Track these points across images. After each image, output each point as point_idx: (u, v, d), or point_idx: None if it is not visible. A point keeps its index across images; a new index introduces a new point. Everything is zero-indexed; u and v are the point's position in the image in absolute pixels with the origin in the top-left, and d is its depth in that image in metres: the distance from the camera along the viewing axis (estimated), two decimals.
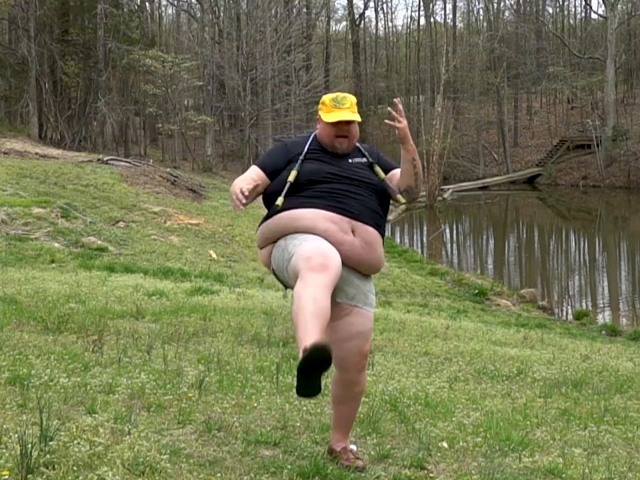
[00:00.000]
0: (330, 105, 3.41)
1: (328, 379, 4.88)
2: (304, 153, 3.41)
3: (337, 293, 3.17)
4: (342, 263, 3.12)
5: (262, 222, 3.44)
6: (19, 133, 34.97)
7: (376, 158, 3.54)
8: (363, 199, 3.35)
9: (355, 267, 3.30)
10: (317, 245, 3.10)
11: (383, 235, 3.43)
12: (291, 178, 3.33)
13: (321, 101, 3.51)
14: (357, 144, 3.55)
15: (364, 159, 3.49)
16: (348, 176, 3.38)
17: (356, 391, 3.43)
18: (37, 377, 4.24)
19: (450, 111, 46.61)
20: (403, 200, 3.49)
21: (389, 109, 3.44)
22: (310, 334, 2.80)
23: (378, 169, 3.48)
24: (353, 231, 3.26)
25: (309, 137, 3.53)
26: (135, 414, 3.77)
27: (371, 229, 3.32)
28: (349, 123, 3.41)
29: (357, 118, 3.40)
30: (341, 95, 3.46)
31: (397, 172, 3.52)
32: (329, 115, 3.40)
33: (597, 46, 50.37)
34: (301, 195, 3.32)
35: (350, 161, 3.46)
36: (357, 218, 3.28)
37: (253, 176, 3.41)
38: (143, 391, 4.21)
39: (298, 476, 3.20)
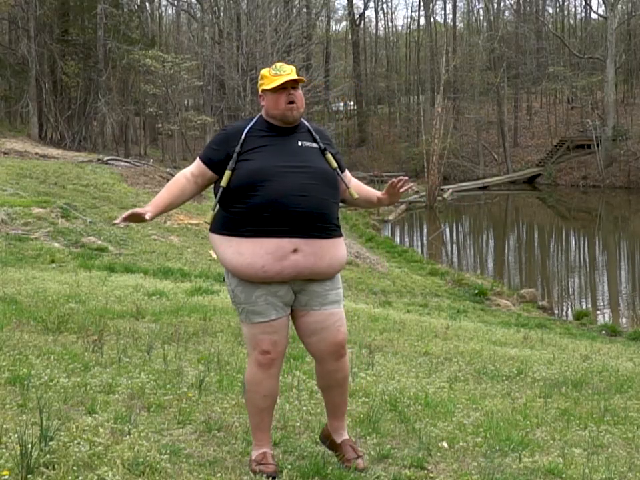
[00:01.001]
0: (271, 76, 3.28)
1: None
2: (240, 143, 3.23)
3: (292, 300, 3.27)
4: (292, 279, 3.20)
5: (215, 226, 3.29)
6: (19, 133, 34.97)
7: (328, 144, 3.37)
8: (313, 193, 3.20)
9: (308, 278, 3.24)
10: (265, 337, 3.21)
11: (336, 231, 3.31)
12: (224, 182, 3.20)
13: (260, 77, 3.35)
14: (307, 124, 3.38)
15: (314, 144, 3.31)
16: (296, 165, 3.21)
17: (338, 378, 3.36)
18: (37, 377, 4.25)
19: (450, 111, 46.60)
20: (355, 196, 3.41)
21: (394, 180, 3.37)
22: (263, 439, 3.30)
23: (329, 157, 3.32)
24: (295, 249, 3.16)
25: (252, 119, 3.35)
26: (135, 414, 3.77)
27: (317, 241, 3.20)
28: (294, 87, 3.27)
29: (301, 78, 3.28)
30: (278, 64, 3.34)
31: (347, 175, 3.44)
32: (272, 83, 3.27)
33: (597, 46, 50.38)
34: (241, 207, 3.18)
35: (299, 143, 3.28)
36: (299, 234, 3.16)
37: (193, 171, 3.32)
38: (143, 391, 4.21)
39: (298, 476, 3.20)
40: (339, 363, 3.33)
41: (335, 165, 3.34)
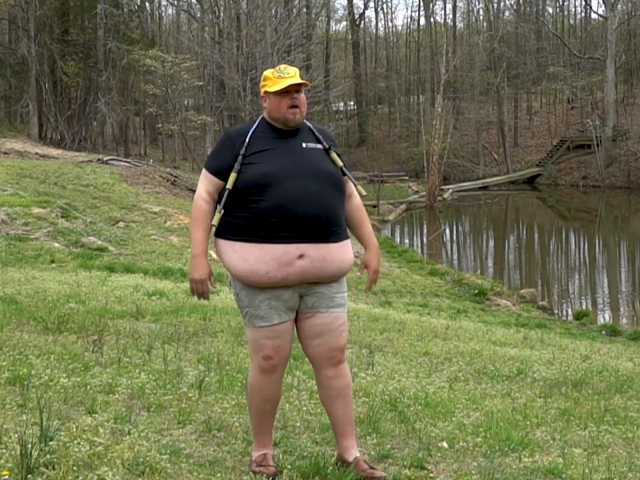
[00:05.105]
0: (274, 78, 3.22)
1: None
2: (245, 146, 3.17)
3: (296, 304, 3.23)
4: (298, 284, 3.16)
5: (220, 230, 3.22)
6: (19, 133, 34.98)
7: (332, 144, 3.31)
8: (320, 197, 3.15)
9: (314, 282, 3.19)
10: (267, 342, 3.20)
11: (343, 233, 3.26)
12: (229, 185, 3.14)
13: (263, 78, 3.29)
14: (309, 124, 3.33)
15: (318, 145, 3.26)
16: (302, 168, 3.16)
17: (339, 386, 3.29)
18: (37, 377, 4.24)
19: (450, 110, 46.57)
20: (363, 193, 3.37)
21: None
22: (265, 441, 3.30)
23: (334, 156, 3.26)
24: (302, 255, 3.11)
25: (255, 122, 3.30)
26: (135, 414, 3.77)
27: (324, 245, 3.15)
28: (298, 91, 3.22)
29: (305, 82, 3.23)
30: (282, 65, 3.28)
31: (346, 180, 3.33)
32: (275, 86, 3.21)
33: (597, 46, 50.39)
34: (247, 213, 3.13)
35: (304, 145, 3.23)
36: (306, 239, 3.12)
37: (207, 189, 3.23)
38: (143, 391, 4.21)
39: (298, 476, 3.20)
40: (337, 369, 3.28)
41: (340, 163, 3.28)
